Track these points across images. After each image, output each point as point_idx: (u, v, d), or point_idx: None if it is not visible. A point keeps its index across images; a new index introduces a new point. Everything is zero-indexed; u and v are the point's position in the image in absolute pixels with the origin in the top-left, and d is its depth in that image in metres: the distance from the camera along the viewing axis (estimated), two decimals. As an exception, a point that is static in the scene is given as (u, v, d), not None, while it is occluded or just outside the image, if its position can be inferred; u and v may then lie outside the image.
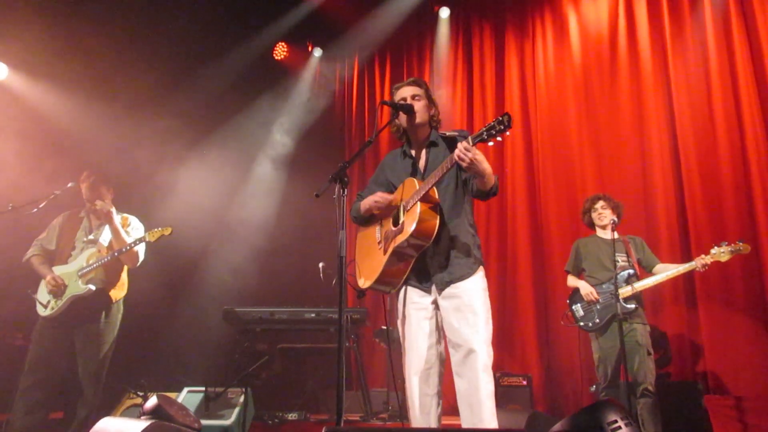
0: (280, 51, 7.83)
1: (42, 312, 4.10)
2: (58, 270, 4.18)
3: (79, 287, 4.10)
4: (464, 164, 2.50)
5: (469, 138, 2.51)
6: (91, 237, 4.30)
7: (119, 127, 5.67)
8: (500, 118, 2.39)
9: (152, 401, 2.88)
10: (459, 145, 2.51)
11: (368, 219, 3.05)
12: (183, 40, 6.38)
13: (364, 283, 2.94)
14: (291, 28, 7.38)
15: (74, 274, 4.15)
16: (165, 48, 6.24)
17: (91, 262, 4.16)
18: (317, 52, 7.99)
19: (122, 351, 4.67)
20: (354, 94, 7.92)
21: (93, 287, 4.11)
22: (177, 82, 6.31)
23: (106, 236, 4.28)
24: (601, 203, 4.65)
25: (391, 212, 2.89)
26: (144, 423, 2.49)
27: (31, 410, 3.87)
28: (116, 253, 4.14)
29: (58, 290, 4.05)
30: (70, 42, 5.61)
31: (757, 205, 4.88)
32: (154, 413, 2.79)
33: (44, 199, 4.23)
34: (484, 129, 2.44)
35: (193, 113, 6.41)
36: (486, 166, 2.55)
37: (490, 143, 2.46)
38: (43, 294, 4.14)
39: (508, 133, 2.40)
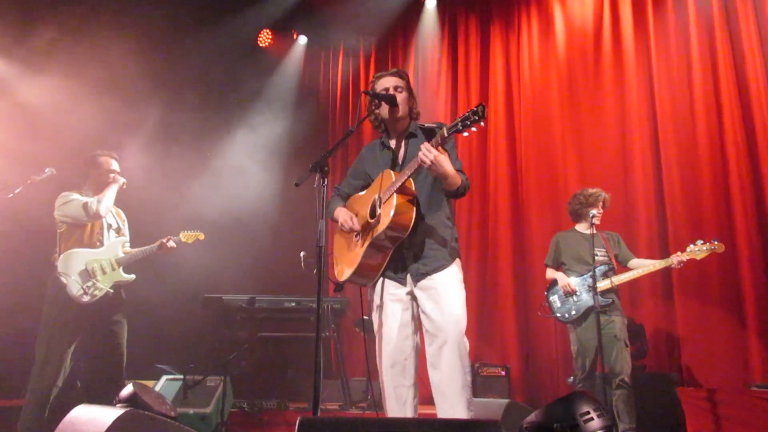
0: (265, 38, 7.77)
1: (80, 295, 3.91)
2: (92, 254, 4.07)
3: (121, 275, 4.13)
4: (425, 166, 2.54)
5: (444, 129, 2.52)
6: (114, 224, 4.27)
7: (97, 112, 5.59)
8: (475, 109, 2.41)
9: (128, 389, 2.86)
10: (422, 146, 2.54)
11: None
12: (167, 27, 6.30)
13: (341, 276, 2.94)
14: (276, 15, 7.32)
15: (111, 261, 4.11)
16: (148, 33, 6.16)
17: (133, 251, 4.23)
18: (302, 40, 7.93)
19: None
20: (338, 82, 7.89)
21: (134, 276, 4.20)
22: (159, 67, 6.24)
23: (119, 224, 4.33)
24: (601, 204, 4.60)
25: (368, 203, 2.89)
26: (119, 411, 2.46)
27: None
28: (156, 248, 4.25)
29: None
30: (49, 24, 5.52)
31: (734, 203, 4.95)
32: (130, 401, 2.76)
33: (20, 185, 4.16)
34: (459, 120, 2.46)
35: (174, 100, 6.35)
36: (447, 168, 2.58)
37: (465, 134, 2.47)
38: (79, 276, 3.98)
39: (482, 123, 2.41)
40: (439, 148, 2.55)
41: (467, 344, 2.71)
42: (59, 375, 3.84)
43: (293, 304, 5.56)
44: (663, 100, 5.50)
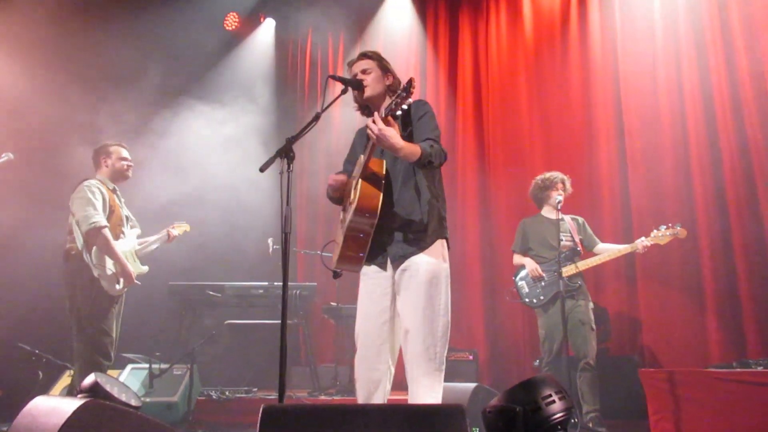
0: (232, 21, 7.62)
1: (113, 286, 3.90)
2: (119, 246, 3.98)
3: (140, 267, 4.14)
4: (373, 140, 2.51)
5: (382, 109, 2.54)
6: (130, 216, 4.24)
7: (52, 95, 5.43)
8: (405, 85, 2.42)
9: (90, 379, 2.80)
10: (368, 121, 2.52)
11: (339, 199, 3.00)
12: (128, 7, 6.14)
13: (334, 262, 2.89)
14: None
15: (131, 253, 4.10)
16: (108, 13, 6.00)
17: (147, 241, 4.26)
18: (270, 23, 7.81)
19: (63, 327, 4.53)
20: (307, 66, 7.80)
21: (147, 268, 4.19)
22: (119, 48, 6.08)
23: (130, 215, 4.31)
24: (560, 185, 4.66)
25: (351, 190, 2.87)
26: (78, 401, 2.41)
27: None
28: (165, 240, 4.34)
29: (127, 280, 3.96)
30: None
31: (695, 189, 5.05)
32: (92, 391, 2.71)
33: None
34: (392, 99, 2.48)
35: (139, 81, 6.21)
36: (394, 141, 2.50)
37: (398, 112, 2.46)
38: (113, 268, 3.93)
39: (410, 100, 2.43)
40: (390, 119, 2.49)
41: (437, 332, 2.66)
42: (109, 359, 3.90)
43: (261, 291, 5.52)
44: (628, 86, 5.57)
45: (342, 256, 2.78)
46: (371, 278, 2.82)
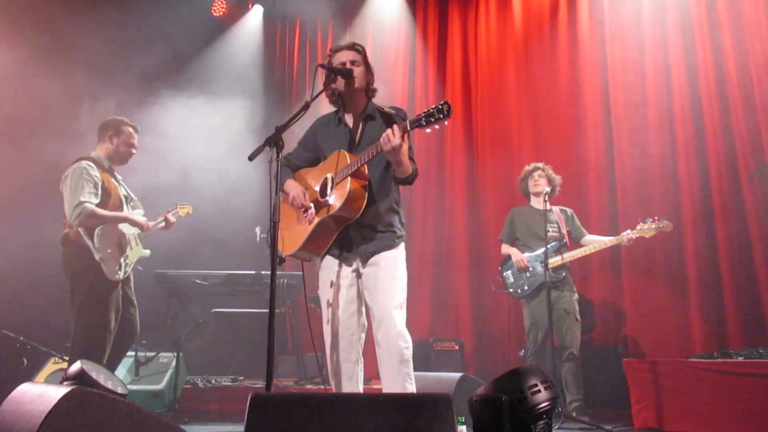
0: (219, 7, 7.53)
1: (116, 271, 3.71)
2: (122, 228, 3.85)
3: (142, 251, 3.99)
4: (386, 148, 2.55)
5: (407, 123, 2.55)
6: (131, 195, 4.03)
7: (41, 81, 5.35)
8: (440, 107, 2.44)
9: (76, 366, 2.80)
10: (388, 130, 2.55)
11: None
12: None
13: (286, 250, 2.95)
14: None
15: (134, 235, 3.94)
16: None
17: (152, 225, 4.05)
18: (257, 10, 7.74)
19: (48, 314, 4.50)
20: (295, 54, 7.74)
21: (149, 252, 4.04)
22: (109, 35, 6.00)
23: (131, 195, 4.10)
24: (538, 172, 4.76)
25: (319, 180, 2.88)
26: (65, 389, 2.40)
27: None
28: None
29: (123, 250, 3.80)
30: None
31: (681, 183, 5.11)
32: (78, 378, 2.70)
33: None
34: (423, 115, 2.49)
35: (125, 68, 6.13)
36: (403, 158, 2.65)
37: (428, 130, 2.51)
38: (114, 254, 3.75)
39: (446, 122, 2.45)
40: (405, 136, 2.57)
41: (404, 322, 2.77)
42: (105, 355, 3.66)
43: (248, 279, 5.51)
44: (616, 77, 5.60)
45: (307, 244, 2.87)
46: (336, 272, 2.90)
